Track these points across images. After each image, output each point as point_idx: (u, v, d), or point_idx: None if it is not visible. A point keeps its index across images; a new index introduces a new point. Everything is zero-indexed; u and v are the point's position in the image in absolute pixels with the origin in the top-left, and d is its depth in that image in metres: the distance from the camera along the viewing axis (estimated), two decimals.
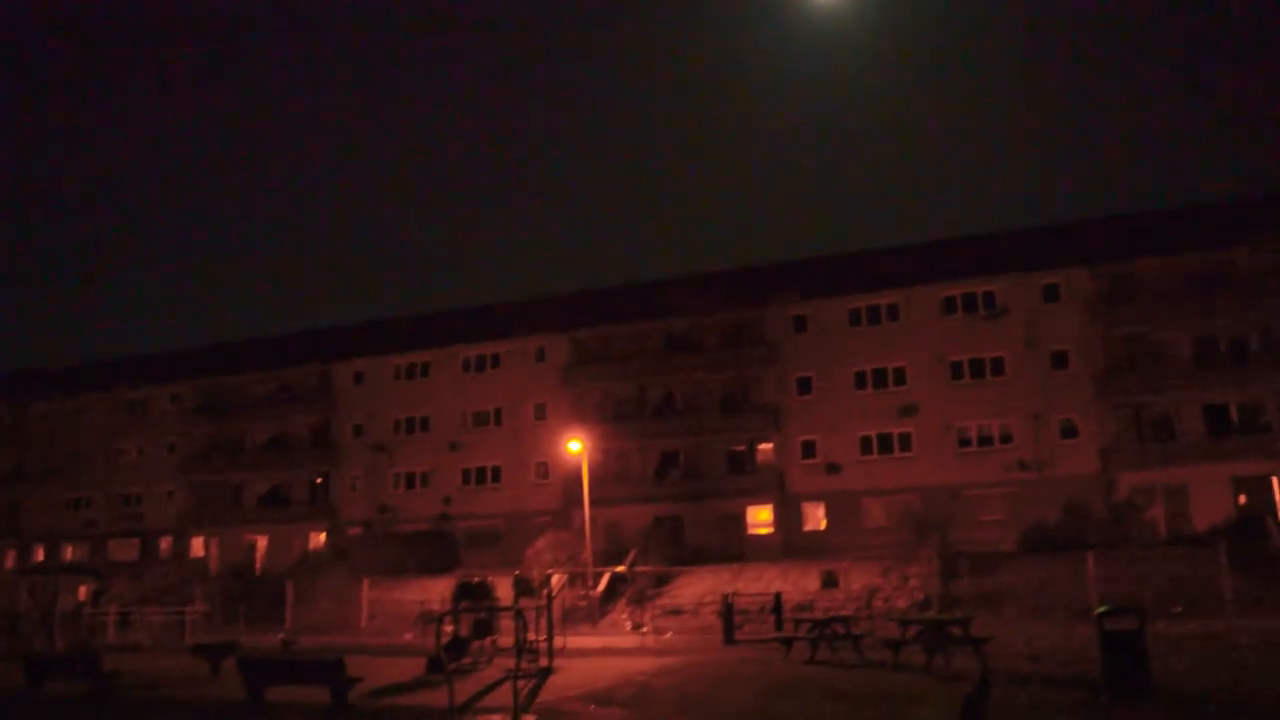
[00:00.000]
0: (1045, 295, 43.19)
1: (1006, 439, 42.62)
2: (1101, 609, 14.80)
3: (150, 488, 59.36)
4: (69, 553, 60.37)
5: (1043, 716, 12.89)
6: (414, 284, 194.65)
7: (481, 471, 51.56)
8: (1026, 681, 15.76)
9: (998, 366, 43.32)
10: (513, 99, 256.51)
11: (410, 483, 53.11)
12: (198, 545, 57.09)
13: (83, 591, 42.38)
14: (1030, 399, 42.30)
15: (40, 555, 61.00)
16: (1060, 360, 42.44)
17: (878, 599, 30.73)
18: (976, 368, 43.63)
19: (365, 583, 38.45)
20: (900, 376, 44.64)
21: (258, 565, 53.98)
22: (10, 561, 60.66)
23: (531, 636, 19.79)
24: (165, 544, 57.84)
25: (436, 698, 15.13)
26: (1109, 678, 13.78)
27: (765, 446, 46.60)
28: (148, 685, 19.98)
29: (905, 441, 44.13)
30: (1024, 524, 37.92)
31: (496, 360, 52.54)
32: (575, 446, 39.76)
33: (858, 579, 33.55)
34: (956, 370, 43.88)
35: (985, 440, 43.07)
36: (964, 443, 43.32)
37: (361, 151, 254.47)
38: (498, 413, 51.80)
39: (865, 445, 44.64)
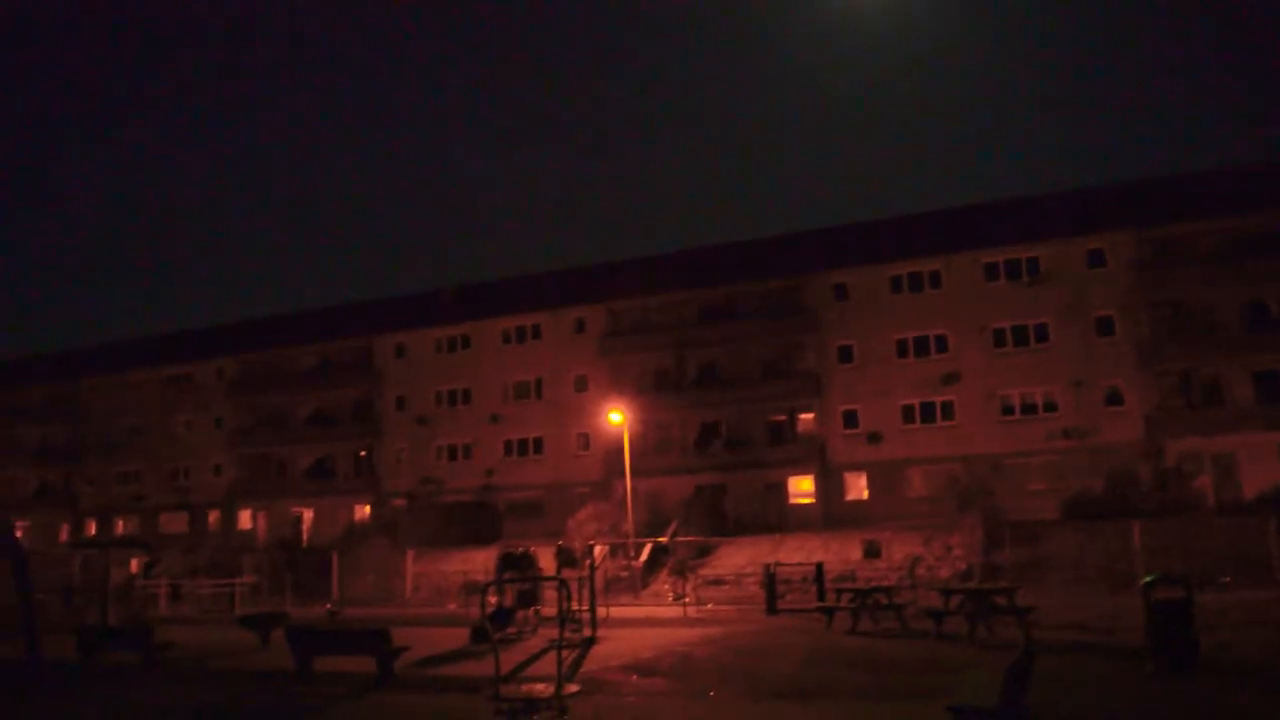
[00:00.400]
0: (1090, 260, 42.50)
1: (1050, 407, 42.14)
2: (1148, 578, 14.66)
3: (198, 461, 60.39)
4: (120, 526, 61.67)
5: (1088, 686, 12.83)
6: (452, 257, 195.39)
7: (523, 443, 51.81)
8: (1071, 651, 15.70)
9: (1041, 333, 42.75)
10: (549, 69, 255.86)
11: (453, 454, 53.49)
12: (245, 518, 58.06)
13: (134, 565, 43.06)
14: (1074, 366, 41.78)
15: (92, 529, 62.33)
16: (1105, 326, 41.83)
17: (920, 569, 30.58)
18: (1019, 335, 43.12)
19: (410, 554, 38.86)
20: (942, 344, 44.25)
21: (304, 537, 54.66)
22: (63, 535, 61.90)
23: (575, 607, 19.94)
24: (213, 517, 58.84)
25: (481, 667, 15.29)
26: (1155, 648, 13.67)
27: (806, 416, 46.47)
28: (199, 656, 20.35)
29: (947, 410, 43.78)
30: (1068, 493, 37.41)
31: (536, 331, 52.65)
32: (616, 418, 39.90)
33: (900, 549, 33.46)
34: (999, 337, 43.39)
35: (1028, 408, 42.63)
36: (1007, 411, 42.92)
37: (396, 127, 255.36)
38: (538, 384, 51.97)
39: (907, 414, 44.37)
